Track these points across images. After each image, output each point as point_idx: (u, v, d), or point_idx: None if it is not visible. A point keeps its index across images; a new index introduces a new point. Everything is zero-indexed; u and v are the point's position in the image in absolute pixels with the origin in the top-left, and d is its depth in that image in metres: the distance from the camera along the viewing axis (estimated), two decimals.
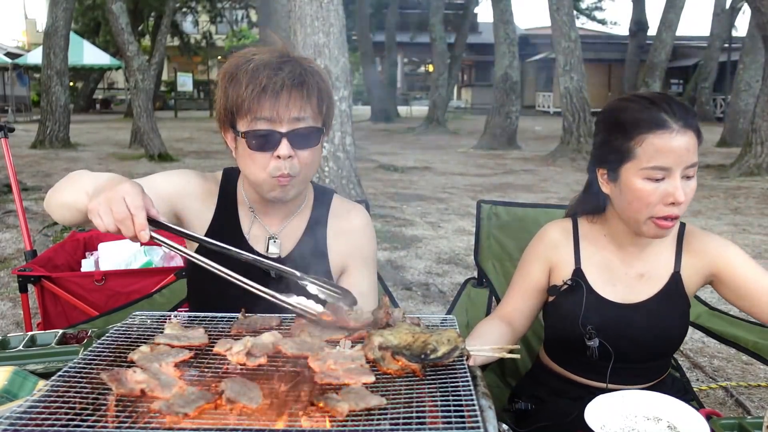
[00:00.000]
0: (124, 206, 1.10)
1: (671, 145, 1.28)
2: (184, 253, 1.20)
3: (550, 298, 1.54)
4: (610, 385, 1.44)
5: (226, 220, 1.51)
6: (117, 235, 1.14)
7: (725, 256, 1.45)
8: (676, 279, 1.46)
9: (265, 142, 1.35)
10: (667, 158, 1.29)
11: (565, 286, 1.48)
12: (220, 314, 1.31)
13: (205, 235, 1.49)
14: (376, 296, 1.57)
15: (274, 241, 1.49)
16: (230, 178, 1.55)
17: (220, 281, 1.51)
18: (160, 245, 1.19)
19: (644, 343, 1.44)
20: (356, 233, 1.56)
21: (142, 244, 1.16)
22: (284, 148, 1.34)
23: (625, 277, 1.47)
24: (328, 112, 1.43)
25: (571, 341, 1.47)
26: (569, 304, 1.46)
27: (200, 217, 1.51)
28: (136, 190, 1.14)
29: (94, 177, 1.30)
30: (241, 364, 1.06)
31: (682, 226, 1.50)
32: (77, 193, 1.27)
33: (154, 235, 1.14)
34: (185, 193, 1.50)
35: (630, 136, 1.33)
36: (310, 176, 1.46)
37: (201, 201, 1.51)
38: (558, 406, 1.49)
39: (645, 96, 1.37)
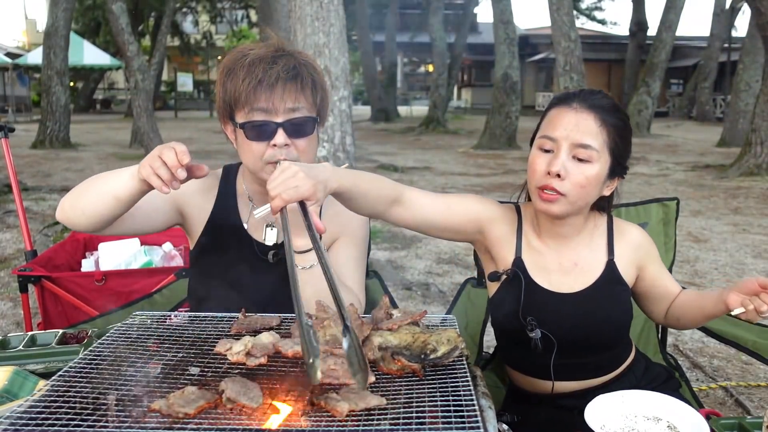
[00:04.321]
0: (172, 152, 1.18)
1: (561, 118, 1.34)
2: None
3: (492, 290, 1.52)
4: (557, 383, 1.44)
5: (225, 211, 1.57)
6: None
7: (648, 249, 1.49)
8: (611, 267, 1.45)
9: (262, 131, 1.41)
10: (555, 129, 1.34)
11: (505, 276, 1.47)
12: (220, 314, 1.32)
13: (206, 226, 1.56)
14: (358, 277, 1.57)
15: (272, 228, 1.55)
16: (230, 173, 1.62)
17: (222, 281, 1.53)
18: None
19: (586, 333, 1.42)
20: (347, 214, 1.56)
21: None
22: (280, 137, 1.40)
23: (560, 267, 1.46)
24: (322, 102, 1.49)
25: (515, 336, 1.45)
26: (510, 296, 1.45)
27: (201, 210, 1.57)
28: (183, 145, 1.21)
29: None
30: (240, 364, 1.07)
31: (611, 218, 1.50)
32: (117, 176, 1.28)
33: None
34: (187, 189, 1.53)
35: (544, 112, 1.41)
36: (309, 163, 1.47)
37: (201, 195, 1.57)
38: (539, 413, 1.47)
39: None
